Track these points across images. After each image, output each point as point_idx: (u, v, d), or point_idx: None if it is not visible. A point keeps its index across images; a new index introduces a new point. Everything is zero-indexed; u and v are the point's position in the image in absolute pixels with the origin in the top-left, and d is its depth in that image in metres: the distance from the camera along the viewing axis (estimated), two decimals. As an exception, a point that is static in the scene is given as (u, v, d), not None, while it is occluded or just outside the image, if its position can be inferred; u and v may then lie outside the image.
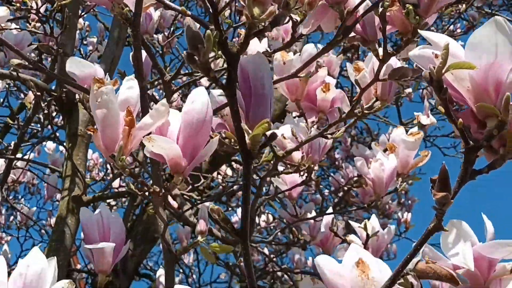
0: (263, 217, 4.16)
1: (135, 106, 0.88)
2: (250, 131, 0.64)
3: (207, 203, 1.29)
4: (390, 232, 1.95)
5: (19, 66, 1.29)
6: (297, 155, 1.74)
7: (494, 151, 0.73)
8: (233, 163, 4.28)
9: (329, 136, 1.45)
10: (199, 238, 1.14)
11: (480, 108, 0.68)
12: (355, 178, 2.73)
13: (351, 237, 1.90)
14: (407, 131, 1.77)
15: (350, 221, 2.08)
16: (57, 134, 3.31)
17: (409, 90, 3.82)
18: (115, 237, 1.06)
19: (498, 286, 0.82)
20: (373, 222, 1.85)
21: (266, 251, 3.86)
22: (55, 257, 0.92)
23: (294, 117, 1.86)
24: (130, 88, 0.88)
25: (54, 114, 3.85)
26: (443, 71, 0.66)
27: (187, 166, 0.91)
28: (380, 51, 1.14)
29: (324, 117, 1.53)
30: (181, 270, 4.50)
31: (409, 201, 4.60)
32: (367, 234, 1.78)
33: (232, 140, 1.56)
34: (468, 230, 0.81)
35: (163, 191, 0.95)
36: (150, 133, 0.89)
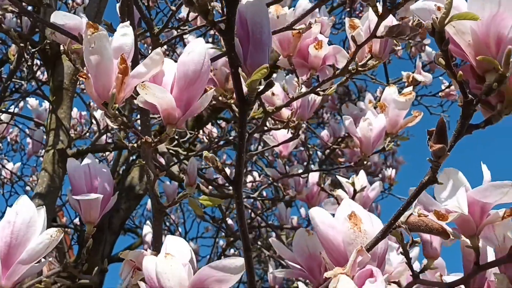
0: (250, 177, 4.17)
1: (129, 53, 0.86)
2: (247, 78, 0.63)
3: (194, 158, 1.28)
4: (377, 188, 1.97)
5: (5, 10, 1.24)
6: (286, 112, 1.73)
7: (491, 107, 0.73)
8: (220, 121, 4.27)
9: (321, 92, 1.44)
10: (188, 190, 1.13)
11: (481, 62, 0.68)
12: (342, 138, 2.74)
13: (339, 191, 1.90)
14: (399, 91, 1.76)
15: (337, 176, 2.08)
16: (41, 89, 3.26)
17: (399, 47, 3.78)
18: (103, 188, 1.04)
19: (491, 231, 0.83)
20: (361, 178, 1.85)
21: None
22: (44, 206, 0.91)
23: (286, 75, 1.84)
24: (124, 35, 0.86)
25: (37, 68, 3.77)
26: (446, 21, 0.64)
27: (181, 118, 0.89)
28: (380, 7, 1.12)
29: (316, 74, 1.52)
30: (166, 228, 4.54)
31: (396, 162, 4.65)
32: (355, 190, 1.78)
33: (222, 96, 1.54)
34: (462, 177, 0.81)
35: (154, 141, 0.94)
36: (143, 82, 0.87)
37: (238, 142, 0.67)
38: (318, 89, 1.35)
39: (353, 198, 1.75)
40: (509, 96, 0.71)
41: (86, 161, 1.08)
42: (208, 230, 5.15)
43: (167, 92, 0.87)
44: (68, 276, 1.23)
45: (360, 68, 1.28)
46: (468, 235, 0.83)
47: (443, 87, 3.64)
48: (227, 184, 3.60)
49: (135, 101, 0.91)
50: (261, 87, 0.65)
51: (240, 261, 0.74)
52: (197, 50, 0.85)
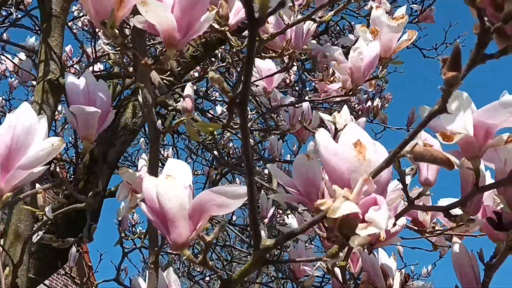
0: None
1: (130, -32, 0.81)
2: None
3: (190, 83, 1.25)
4: (361, 125, 1.92)
5: None
6: (279, 42, 1.68)
7: (507, 37, 0.71)
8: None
9: (317, 19, 1.40)
10: (185, 116, 1.11)
11: (501, -13, 0.65)
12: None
13: (320, 130, 1.84)
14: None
15: (319, 113, 2.02)
16: (31, 16, 3.16)
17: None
18: (101, 103, 1.01)
19: (494, 155, 0.83)
20: (344, 115, 1.78)
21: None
22: (45, 116, 0.90)
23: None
24: None
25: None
26: None
27: (181, 40, 0.86)
28: None
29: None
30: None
31: (384, 99, 4.62)
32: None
33: (216, 21, 1.49)
34: (469, 100, 0.80)
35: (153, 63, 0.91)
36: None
37: (246, 62, 0.64)
38: (314, 15, 1.31)
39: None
40: (526, 25, 0.68)
41: (84, 76, 1.05)
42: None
43: (169, 11, 0.83)
44: (67, 198, 1.23)
45: None
46: (470, 157, 0.83)
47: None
48: (221, 117, 3.59)
49: (134, 22, 0.87)
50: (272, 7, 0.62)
51: (242, 189, 0.74)
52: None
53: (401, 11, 1.74)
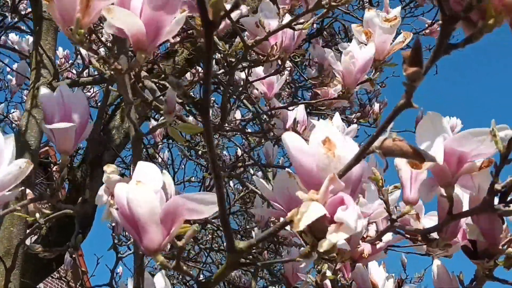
0: (238, 115, 4.14)
1: (93, -27, 0.81)
2: (211, -2, 0.58)
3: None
4: (352, 132, 1.91)
5: None
6: (269, 46, 1.67)
7: (473, 25, 0.69)
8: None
9: (296, 27, 1.39)
10: (167, 118, 1.10)
11: (461, -24, 0.63)
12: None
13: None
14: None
15: (312, 121, 2.02)
16: (24, 20, 3.16)
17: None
18: (78, 116, 1.00)
19: (470, 181, 0.82)
20: (336, 122, 1.79)
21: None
22: (13, 135, 0.89)
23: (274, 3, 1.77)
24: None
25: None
26: None
27: (151, 43, 0.85)
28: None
29: (299, 4, 1.46)
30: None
31: (380, 105, 4.60)
32: None
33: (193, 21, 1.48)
34: (444, 124, 0.80)
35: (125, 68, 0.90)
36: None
37: (204, 67, 0.63)
38: (294, 23, 1.30)
39: None
40: (490, 12, 0.67)
41: (59, 89, 1.04)
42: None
43: (135, 16, 0.82)
44: (57, 210, 1.23)
45: (333, 3, 1.23)
46: (443, 184, 0.82)
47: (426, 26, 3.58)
48: (214, 121, 3.57)
49: (105, 27, 0.86)
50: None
51: (213, 196, 0.73)
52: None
53: (394, 12, 1.73)
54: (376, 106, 3.79)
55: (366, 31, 1.65)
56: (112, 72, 0.98)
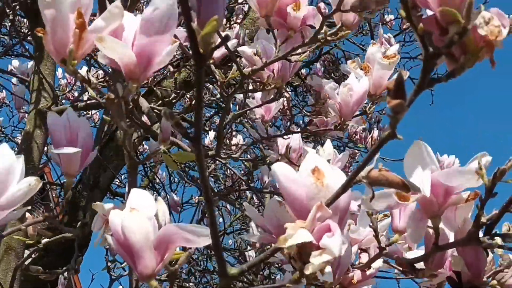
0: (234, 140, 4.17)
1: (87, 7, 0.83)
2: (200, 31, 0.61)
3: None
4: (344, 158, 1.94)
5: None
6: (266, 74, 1.71)
7: (455, 60, 0.72)
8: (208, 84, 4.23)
9: (292, 58, 1.43)
10: (161, 146, 1.13)
11: (443, 13, 0.66)
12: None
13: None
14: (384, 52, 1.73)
15: (304, 147, 2.05)
16: (24, 44, 3.20)
17: (391, 17, 3.76)
18: (83, 141, 1.04)
19: (453, 212, 0.84)
20: (327, 149, 1.82)
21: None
22: (22, 155, 0.91)
23: (268, 33, 1.80)
24: (81, -12, 0.83)
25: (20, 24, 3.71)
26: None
27: (142, 73, 0.88)
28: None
29: (294, 34, 1.50)
30: (155, 190, 4.56)
31: (381, 131, 4.64)
32: None
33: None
34: (430, 155, 0.82)
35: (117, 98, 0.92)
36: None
37: (196, 98, 0.66)
38: (290, 55, 1.34)
39: None
40: (472, 48, 0.70)
41: (66, 114, 1.08)
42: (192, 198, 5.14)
43: (127, 47, 0.85)
44: (54, 231, 1.24)
45: (329, 38, 1.26)
46: (430, 216, 0.84)
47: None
48: (207, 144, 3.60)
49: (98, 58, 0.89)
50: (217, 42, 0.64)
51: (206, 230, 0.76)
52: (163, 6, 0.82)
53: (393, 50, 1.77)
54: (376, 133, 3.83)
55: (365, 65, 1.70)
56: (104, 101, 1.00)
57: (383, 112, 4.66)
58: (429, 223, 0.86)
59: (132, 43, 0.85)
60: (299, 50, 1.50)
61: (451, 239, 0.87)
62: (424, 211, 0.84)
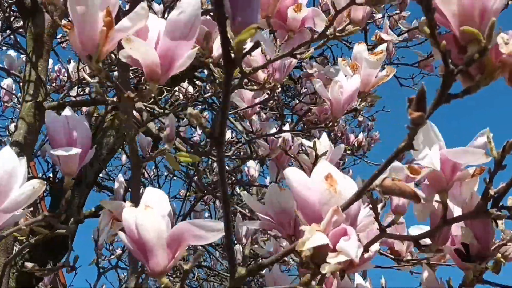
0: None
1: (115, 6, 0.84)
2: (234, 37, 0.63)
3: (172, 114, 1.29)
4: (339, 150, 1.97)
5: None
6: (262, 74, 1.74)
7: (471, 77, 0.75)
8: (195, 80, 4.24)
9: (298, 56, 1.45)
10: (166, 146, 1.14)
11: (464, 32, 0.69)
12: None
13: (301, 156, 1.90)
14: (369, 50, 1.76)
15: (302, 139, 2.07)
16: (18, 40, 3.18)
17: (379, 15, 3.81)
18: (82, 141, 1.05)
19: (458, 188, 0.87)
20: (323, 142, 1.83)
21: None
22: (25, 157, 0.91)
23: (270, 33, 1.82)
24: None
25: (14, 19, 3.68)
26: (434, -10, 0.65)
27: (164, 75, 0.89)
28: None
29: (294, 36, 1.52)
30: (141, 184, 4.53)
31: (371, 139, 4.71)
32: (316, 154, 1.78)
33: (200, 53, 1.54)
34: (438, 134, 0.84)
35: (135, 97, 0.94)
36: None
37: (222, 101, 0.67)
38: (295, 52, 1.36)
39: (314, 162, 1.74)
40: (489, 67, 0.73)
41: (65, 113, 1.08)
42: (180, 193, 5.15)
43: (152, 48, 0.86)
44: (45, 226, 1.24)
45: (338, 34, 1.29)
46: (438, 190, 0.87)
47: (419, 59, 3.69)
48: (202, 143, 3.61)
49: (119, 56, 0.90)
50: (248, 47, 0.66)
51: (220, 224, 0.77)
52: (189, 10, 0.83)
53: (381, 47, 1.81)
54: (361, 135, 3.89)
55: (353, 64, 1.73)
56: (114, 100, 1.01)
57: (373, 119, 4.70)
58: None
59: (155, 44, 0.86)
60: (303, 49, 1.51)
61: (455, 214, 0.90)
62: (432, 186, 0.87)
